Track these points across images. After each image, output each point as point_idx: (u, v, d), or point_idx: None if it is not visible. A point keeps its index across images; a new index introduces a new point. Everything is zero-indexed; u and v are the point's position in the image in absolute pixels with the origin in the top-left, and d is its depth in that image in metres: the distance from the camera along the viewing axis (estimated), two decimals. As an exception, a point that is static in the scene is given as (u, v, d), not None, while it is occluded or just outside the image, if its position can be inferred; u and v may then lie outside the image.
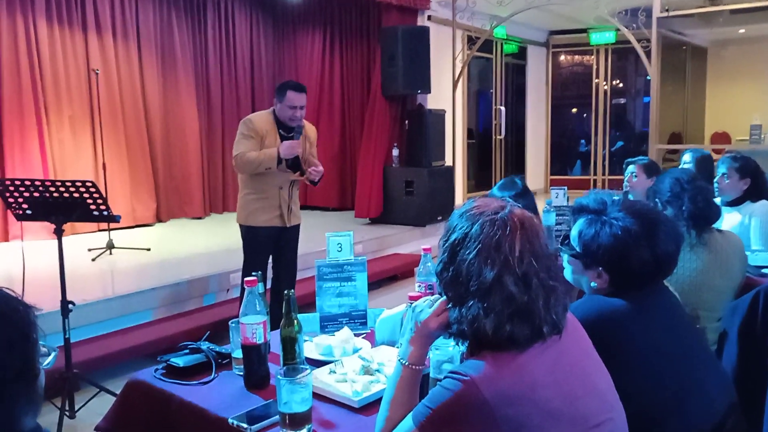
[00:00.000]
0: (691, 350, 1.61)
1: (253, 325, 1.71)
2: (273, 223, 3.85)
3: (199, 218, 7.66)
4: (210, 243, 6.19)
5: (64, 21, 6.46)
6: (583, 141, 11.17)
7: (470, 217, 1.26)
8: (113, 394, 3.27)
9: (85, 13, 6.63)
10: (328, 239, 2.21)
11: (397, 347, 1.93)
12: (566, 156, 11.27)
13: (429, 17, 7.78)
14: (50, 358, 1.03)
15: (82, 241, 5.84)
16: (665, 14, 6.69)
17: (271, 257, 3.97)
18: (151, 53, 7.24)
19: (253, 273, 1.90)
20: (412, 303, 1.72)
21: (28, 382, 0.92)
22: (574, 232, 1.68)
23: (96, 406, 3.23)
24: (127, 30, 6.99)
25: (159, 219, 7.34)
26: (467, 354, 1.25)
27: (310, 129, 4.02)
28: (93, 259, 5.29)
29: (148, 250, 5.64)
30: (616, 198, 1.66)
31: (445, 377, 1.21)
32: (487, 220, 1.23)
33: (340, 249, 2.21)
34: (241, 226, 3.93)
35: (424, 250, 2.16)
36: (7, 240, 6.04)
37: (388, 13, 7.32)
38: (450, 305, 1.27)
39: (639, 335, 1.53)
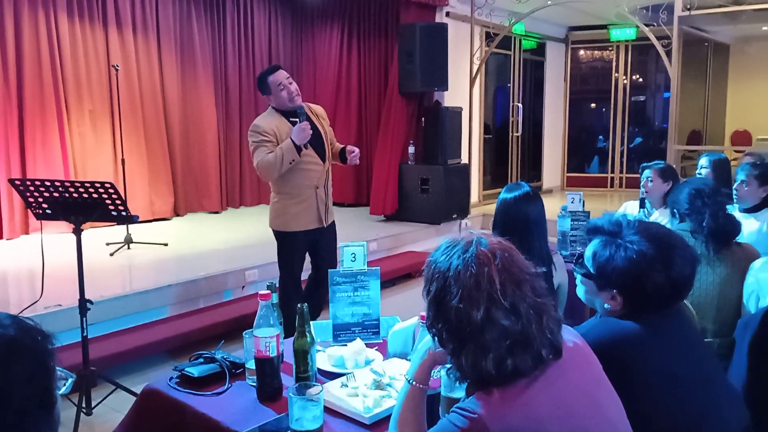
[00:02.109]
0: (706, 374, 1.60)
1: (266, 339, 1.73)
2: (311, 226, 3.67)
3: (216, 212, 7.73)
4: (226, 238, 6.24)
5: (84, 16, 6.53)
6: (601, 137, 11.06)
7: (443, 262, 1.27)
8: (129, 391, 3.32)
9: (105, 8, 6.69)
10: (342, 249, 2.23)
11: (408, 360, 1.95)
12: (584, 152, 11.16)
13: (447, 14, 7.74)
14: (67, 383, 1.06)
15: (101, 235, 5.91)
16: (687, 13, 6.59)
17: (308, 255, 3.85)
18: (170, 48, 7.29)
19: (267, 284, 1.93)
20: (423, 322, 1.74)
21: (47, 411, 0.95)
22: (588, 253, 1.67)
23: (113, 403, 3.29)
24: (146, 25, 7.05)
25: (177, 213, 7.42)
26: (473, 388, 1.25)
27: (317, 109, 3.81)
28: (111, 254, 5.36)
29: (166, 245, 5.70)
30: (631, 220, 1.65)
31: (452, 411, 1.22)
32: (459, 262, 1.24)
33: (354, 259, 2.23)
34: (275, 231, 3.72)
35: None
36: (27, 233, 6.14)
37: (407, 10, 7.30)
38: (449, 356, 1.28)
39: (653, 359, 1.53)
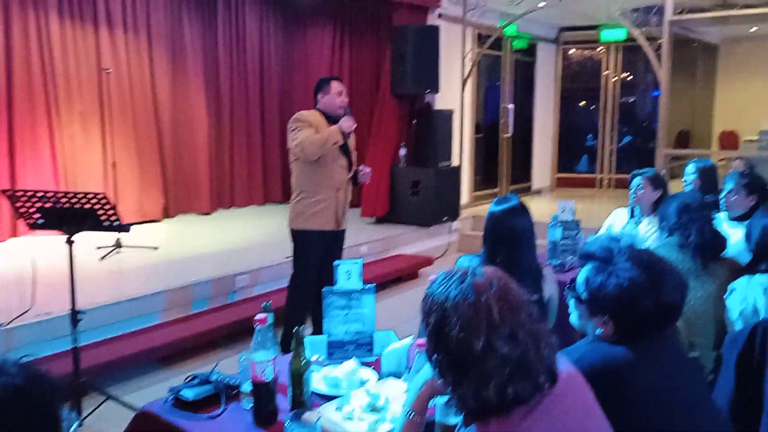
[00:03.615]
0: (695, 399, 1.63)
1: (262, 363, 1.74)
2: (327, 227, 3.88)
3: (207, 214, 7.70)
4: (217, 242, 6.23)
5: (75, 16, 6.47)
6: (590, 135, 11.11)
7: (441, 294, 1.28)
8: (120, 401, 3.33)
9: (96, 9, 6.63)
10: (337, 268, 2.24)
11: (403, 381, 1.97)
12: (574, 150, 11.21)
13: (440, 15, 7.73)
14: (73, 427, 1.06)
15: (91, 238, 5.86)
16: (677, 17, 6.63)
17: None
18: (161, 49, 7.25)
19: (263, 305, 1.94)
20: (420, 348, 1.76)
21: None
22: (581, 278, 1.69)
23: (104, 413, 3.29)
24: (137, 26, 6.99)
25: (167, 214, 7.37)
26: (470, 418, 1.27)
27: None
28: (101, 258, 5.34)
29: (156, 248, 5.68)
30: (623, 246, 1.67)
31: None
32: (457, 293, 1.26)
33: (348, 277, 2.24)
34: (293, 230, 3.92)
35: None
36: (16, 236, 6.09)
37: (399, 11, 7.29)
38: (450, 386, 1.29)
39: (643, 385, 1.55)
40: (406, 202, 7.37)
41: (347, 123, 3.81)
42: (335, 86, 3.92)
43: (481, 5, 7.92)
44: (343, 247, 4.11)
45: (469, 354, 1.22)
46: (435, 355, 1.29)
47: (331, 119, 3.87)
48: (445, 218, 7.43)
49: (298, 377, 1.80)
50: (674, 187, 4.43)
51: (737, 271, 2.69)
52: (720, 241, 2.68)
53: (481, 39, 8.43)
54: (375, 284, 2.31)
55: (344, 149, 3.92)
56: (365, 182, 4.07)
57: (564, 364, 1.38)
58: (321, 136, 3.74)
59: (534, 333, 1.26)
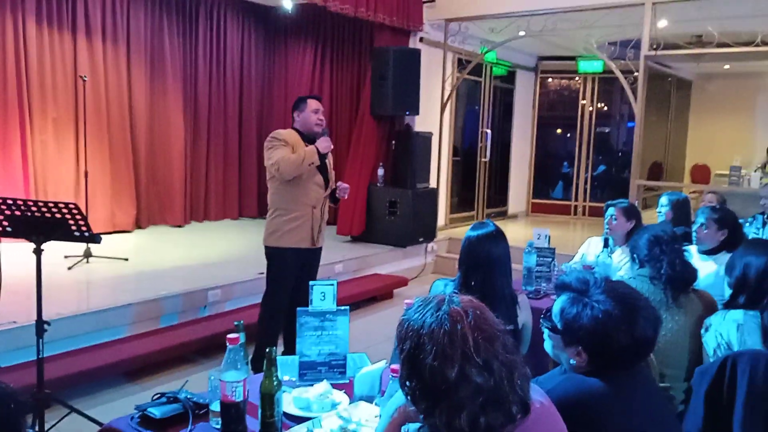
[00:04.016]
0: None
1: (233, 383, 1.71)
2: (302, 245, 3.86)
3: (179, 226, 7.60)
4: (189, 255, 6.15)
5: (54, 22, 6.41)
6: (566, 163, 11.25)
7: (417, 321, 1.28)
8: (84, 415, 3.24)
9: (75, 16, 6.58)
10: (312, 288, 2.22)
11: (376, 405, 1.95)
12: (549, 177, 11.34)
13: (421, 39, 7.81)
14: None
15: (60, 247, 5.75)
16: (653, 53, 6.79)
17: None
18: (140, 59, 7.19)
19: (235, 323, 1.91)
20: (393, 374, 1.75)
21: None
22: (556, 308, 1.70)
23: (66, 427, 3.20)
24: (117, 35, 6.94)
25: (138, 225, 7.27)
26: None
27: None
28: (69, 268, 5.23)
29: (126, 260, 5.59)
30: (599, 278, 1.69)
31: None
32: (433, 320, 1.26)
33: (323, 298, 2.22)
34: (267, 248, 3.89)
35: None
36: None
37: (381, 33, 7.34)
38: (422, 414, 1.28)
39: (616, 418, 1.56)
40: (382, 221, 7.36)
41: (324, 144, 3.80)
42: (311, 104, 3.90)
43: (463, 31, 8.02)
44: (319, 266, 4.08)
45: (443, 382, 1.22)
46: (408, 382, 1.28)
47: (307, 138, 3.85)
48: (421, 239, 7.44)
49: (269, 398, 1.77)
50: (647, 217, 4.50)
51: (710, 304, 2.74)
52: (690, 273, 2.72)
53: (461, 64, 8.52)
54: (349, 305, 2.30)
55: (321, 168, 3.91)
56: (343, 197, 4.04)
57: (537, 393, 1.38)
58: (297, 156, 3.72)
59: (508, 363, 1.26)
